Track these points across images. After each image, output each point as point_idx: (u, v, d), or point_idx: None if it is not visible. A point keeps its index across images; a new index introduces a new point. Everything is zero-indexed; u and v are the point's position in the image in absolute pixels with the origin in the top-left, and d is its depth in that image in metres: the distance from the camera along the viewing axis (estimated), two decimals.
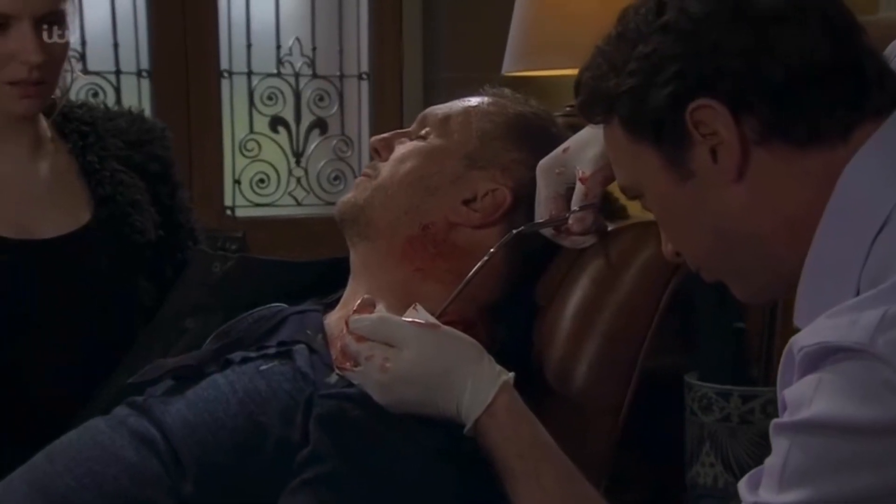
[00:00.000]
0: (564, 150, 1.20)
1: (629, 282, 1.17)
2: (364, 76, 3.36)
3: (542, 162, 1.21)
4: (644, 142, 0.93)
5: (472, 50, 3.08)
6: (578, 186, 1.17)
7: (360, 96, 3.35)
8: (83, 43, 2.95)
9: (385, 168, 1.25)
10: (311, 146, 3.30)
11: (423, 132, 1.27)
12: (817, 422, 0.78)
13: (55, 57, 1.40)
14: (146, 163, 1.52)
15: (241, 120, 3.25)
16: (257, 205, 3.26)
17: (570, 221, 1.18)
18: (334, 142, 3.28)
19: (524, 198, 1.22)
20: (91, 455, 1.10)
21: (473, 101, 1.29)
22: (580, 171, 1.17)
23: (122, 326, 1.42)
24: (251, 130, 3.25)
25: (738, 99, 0.87)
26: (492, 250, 1.17)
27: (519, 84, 2.62)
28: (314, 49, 3.29)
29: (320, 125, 3.30)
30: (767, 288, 0.96)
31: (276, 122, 3.27)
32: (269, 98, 3.26)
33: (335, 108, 3.33)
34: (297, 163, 3.29)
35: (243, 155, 3.25)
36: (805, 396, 0.80)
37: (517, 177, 1.23)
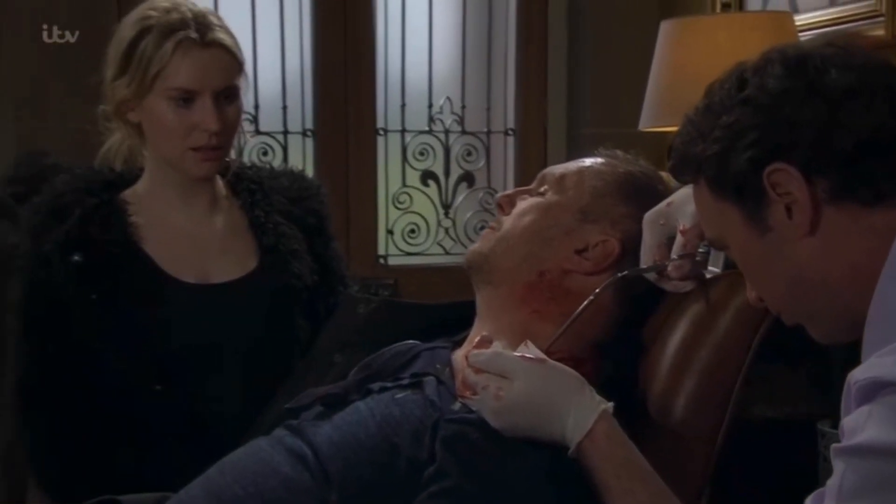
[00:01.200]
0: (668, 204, 1.32)
1: (725, 324, 1.27)
2: (510, 132, 3.47)
3: (648, 214, 1.34)
4: (727, 200, 1.04)
5: (612, 107, 3.17)
6: (678, 238, 1.29)
7: (505, 151, 3.46)
8: (256, 106, 3.19)
9: (507, 221, 1.39)
10: (459, 198, 3.42)
11: (541, 189, 1.40)
12: (867, 447, 0.89)
13: (230, 125, 1.58)
14: (305, 216, 1.67)
15: (395, 174, 3.39)
16: (408, 254, 3.39)
17: (669, 268, 1.30)
18: (481, 194, 3.39)
19: (631, 248, 1.34)
20: (255, 469, 1.26)
21: (587, 161, 1.42)
22: (681, 224, 1.29)
23: (282, 359, 1.58)
24: (404, 184, 3.40)
25: (810, 164, 0.98)
26: (597, 290, 1.30)
27: (655, 139, 2.76)
28: (463, 107, 3.42)
29: (468, 178, 3.43)
30: (838, 330, 1.05)
31: (426, 176, 3.41)
32: (421, 153, 3.41)
33: (482, 163, 3.45)
34: (446, 214, 3.42)
35: (396, 207, 3.40)
36: (858, 425, 0.91)
37: (625, 229, 1.35)
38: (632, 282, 1.33)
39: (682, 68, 2.47)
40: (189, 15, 1.53)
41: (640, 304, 1.36)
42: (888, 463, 0.88)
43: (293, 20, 3.27)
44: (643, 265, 1.33)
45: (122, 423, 1.55)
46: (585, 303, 1.30)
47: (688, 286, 1.32)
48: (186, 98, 1.54)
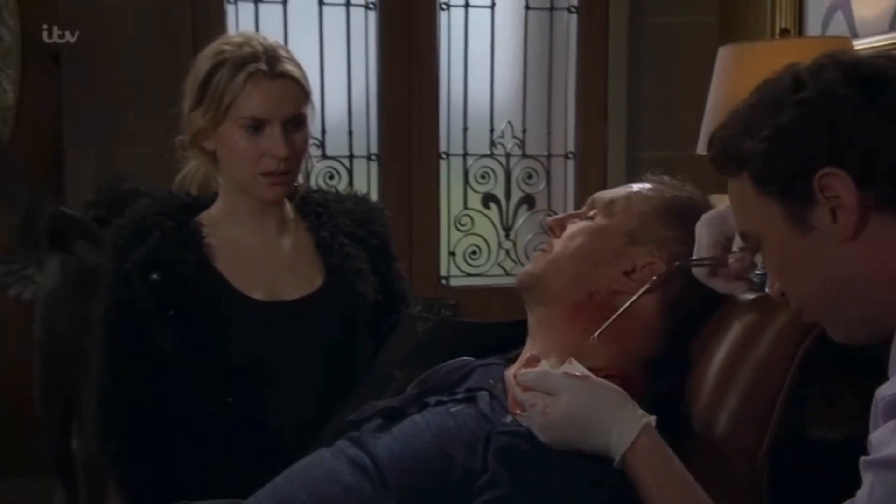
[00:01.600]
0: (727, 207, 1.33)
1: (767, 341, 1.31)
2: (570, 155, 3.54)
3: (706, 216, 1.37)
4: (771, 196, 1.07)
5: (671, 131, 3.22)
6: (739, 236, 1.30)
7: (566, 174, 3.52)
8: (323, 132, 3.31)
9: (558, 244, 1.45)
10: (520, 220, 3.50)
11: (591, 213, 1.46)
12: (893, 460, 0.94)
13: (298, 151, 1.65)
14: (368, 238, 1.74)
15: (457, 197, 3.48)
16: (469, 275, 3.47)
17: (731, 259, 1.33)
18: (541, 216, 3.46)
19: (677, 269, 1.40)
20: (319, 477, 1.33)
21: (635, 186, 1.48)
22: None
23: (345, 373, 1.64)
24: (465, 206, 3.49)
25: (862, 172, 1.01)
26: (654, 278, 1.35)
27: None
28: (524, 131, 3.50)
29: (528, 201, 3.50)
30: (861, 334, 1.09)
31: (488, 199, 3.50)
32: (483, 177, 3.49)
33: (542, 186, 3.52)
34: (507, 236, 3.49)
35: (458, 229, 3.48)
36: (885, 439, 0.96)
37: (671, 251, 1.40)
38: (683, 298, 1.38)
39: (740, 93, 2.48)
40: (260, 48, 1.61)
41: (687, 323, 1.41)
42: None
43: (359, 49, 3.38)
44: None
45: (197, 432, 1.62)
46: (641, 290, 1.35)
47: (740, 287, 1.35)
48: (257, 126, 1.61)
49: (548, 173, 3.55)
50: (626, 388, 1.27)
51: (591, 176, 3.49)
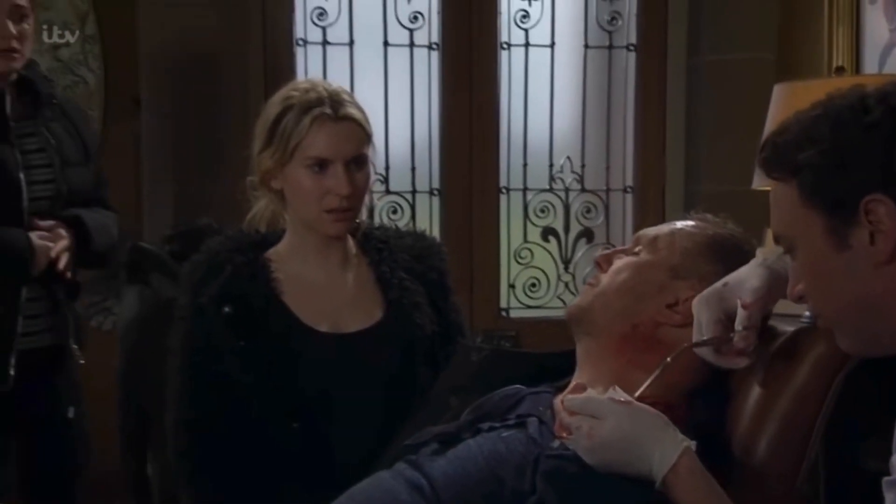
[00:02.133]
0: (724, 285, 1.39)
1: (803, 373, 1.37)
2: (629, 189, 3.59)
3: (704, 293, 1.40)
4: (816, 209, 1.12)
5: (727, 166, 3.25)
6: (741, 311, 1.35)
7: (624, 208, 3.58)
8: (387, 168, 3.41)
9: (605, 278, 1.52)
10: (579, 254, 3.55)
11: (636, 249, 1.53)
12: None
13: (360, 189, 1.74)
14: (426, 272, 1.82)
15: (517, 230, 3.55)
16: (529, 307, 3.53)
17: (735, 339, 1.37)
18: (600, 249, 3.45)
19: None
20: (378, 497, 1.42)
21: (679, 223, 1.55)
22: (742, 299, 1.36)
23: (404, 400, 1.71)
24: (525, 240, 3.56)
25: None
26: (668, 360, 1.39)
27: (767, 198, 2.81)
28: (583, 166, 3.56)
29: (587, 234, 3.56)
30: (873, 349, 1.16)
31: (547, 233, 3.56)
32: (542, 211, 3.56)
33: (601, 219, 3.57)
34: (566, 269, 3.55)
35: (517, 262, 3.55)
36: None
37: (712, 285, 1.47)
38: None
39: None
40: (325, 93, 1.71)
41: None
42: None
43: (422, 88, 3.49)
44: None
45: (265, 455, 1.70)
46: (658, 370, 1.39)
47: (744, 362, 1.39)
48: (321, 165, 1.70)
49: (606, 207, 3.60)
50: (668, 415, 1.34)
51: (650, 209, 3.54)
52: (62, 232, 2.22)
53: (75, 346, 2.34)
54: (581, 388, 1.39)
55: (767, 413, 1.39)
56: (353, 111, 1.73)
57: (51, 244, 2.19)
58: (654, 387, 1.43)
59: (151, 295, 2.59)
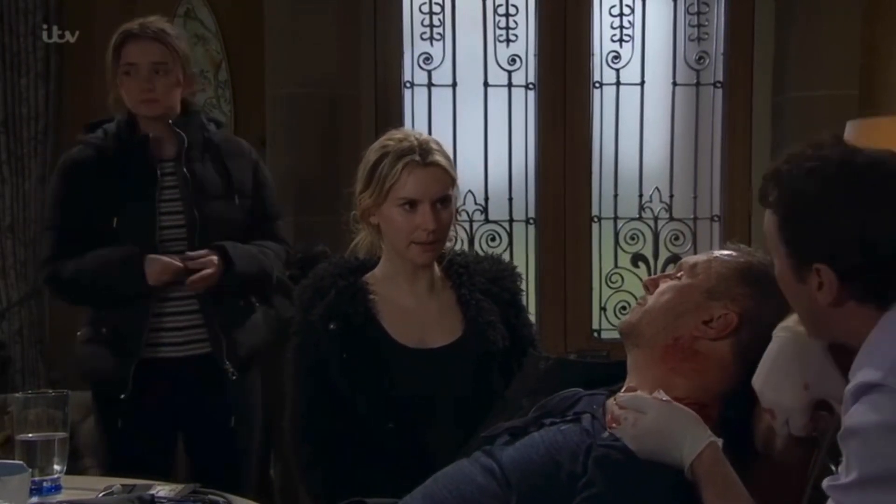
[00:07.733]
0: (805, 388, 1.52)
1: None
2: (716, 218, 3.71)
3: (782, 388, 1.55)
4: (783, 242, 1.40)
5: None
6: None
7: (711, 236, 3.70)
8: (486, 198, 3.62)
9: (651, 299, 1.75)
10: None
11: (678, 274, 1.76)
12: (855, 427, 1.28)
13: (444, 224, 1.99)
14: (500, 293, 2.05)
15: (608, 256, 3.71)
16: None
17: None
18: None
19: (746, 320, 1.68)
20: (458, 478, 1.68)
21: (716, 252, 1.77)
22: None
23: (482, 406, 1.94)
24: (615, 265, 3.72)
25: (847, 273, 1.35)
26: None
27: None
28: (671, 196, 3.70)
29: (675, 260, 3.69)
30: (827, 339, 1.45)
31: (636, 259, 3.72)
32: (632, 238, 3.71)
33: (689, 246, 3.71)
34: None
35: (609, 286, 3.71)
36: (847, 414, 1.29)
37: (743, 305, 1.69)
38: (749, 346, 1.66)
39: None
40: (416, 143, 1.98)
41: (755, 363, 1.69)
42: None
43: (519, 123, 3.70)
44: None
45: (367, 450, 1.96)
46: None
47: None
48: (411, 204, 1.96)
49: (694, 235, 3.73)
50: (700, 413, 1.58)
51: (736, 237, 3.49)
52: (213, 259, 2.49)
53: (227, 363, 2.53)
54: (633, 391, 1.63)
55: None
56: (439, 158, 1.99)
57: (169, 259, 2.45)
58: (691, 390, 1.67)
59: (274, 315, 2.79)
